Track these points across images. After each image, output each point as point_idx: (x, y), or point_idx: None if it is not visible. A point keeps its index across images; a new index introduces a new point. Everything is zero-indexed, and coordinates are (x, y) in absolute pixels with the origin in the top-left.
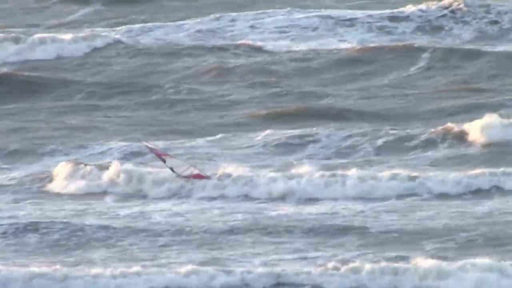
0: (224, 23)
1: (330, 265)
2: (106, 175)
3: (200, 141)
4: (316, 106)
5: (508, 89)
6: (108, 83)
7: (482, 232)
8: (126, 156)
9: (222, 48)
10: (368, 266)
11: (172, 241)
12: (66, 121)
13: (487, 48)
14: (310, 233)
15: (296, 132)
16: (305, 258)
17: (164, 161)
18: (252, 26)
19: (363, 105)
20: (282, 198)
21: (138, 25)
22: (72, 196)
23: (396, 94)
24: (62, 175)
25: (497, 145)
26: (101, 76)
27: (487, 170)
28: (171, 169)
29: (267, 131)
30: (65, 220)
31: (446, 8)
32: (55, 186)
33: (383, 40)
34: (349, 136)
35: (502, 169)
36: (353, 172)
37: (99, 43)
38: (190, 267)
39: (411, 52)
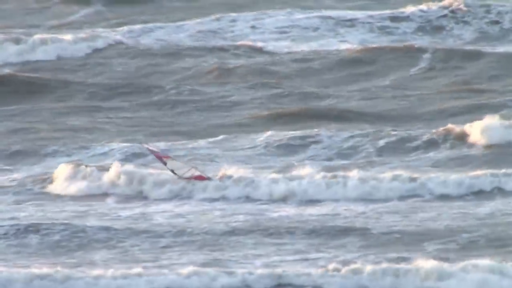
0: (224, 24)
1: (331, 266)
2: (107, 177)
3: (201, 142)
4: (317, 107)
5: (509, 90)
6: (109, 84)
7: (484, 233)
8: (128, 157)
9: (222, 49)
10: (369, 268)
11: (173, 242)
12: (68, 122)
13: (488, 49)
14: (311, 234)
15: (298, 133)
16: (306, 260)
17: (165, 163)
18: (253, 27)
19: (364, 106)
20: (284, 199)
21: (139, 26)
22: (73, 198)
23: (397, 95)
24: (62, 177)
25: (498, 146)
26: (102, 77)
27: (488, 171)
28: (172, 171)
29: (269, 132)
30: (66, 222)
31: (446, 8)
32: (56, 187)
33: (384, 41)
34: (351, 137)
35: (503, 170)
36: (354, 173)
37: (100, 43)
38: (191, 268)
39: (412, 53)
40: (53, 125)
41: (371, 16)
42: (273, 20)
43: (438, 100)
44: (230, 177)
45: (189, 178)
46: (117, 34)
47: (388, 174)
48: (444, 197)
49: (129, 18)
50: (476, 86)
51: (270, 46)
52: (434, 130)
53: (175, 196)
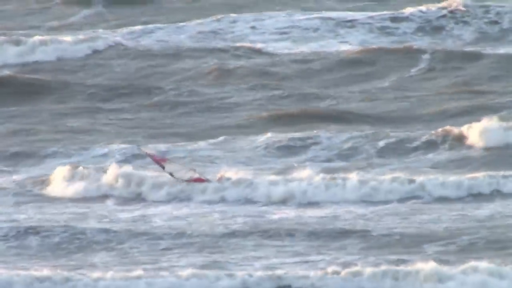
0: (224, 25)
1: (331, 268)
2: (105, 179)
3: (201, 143)
4: (318, 108)
5: (509, 91)
6: (109, 85)
7: (484, 236)
8: (127, 159)
9: (223, 50)
10: (369, 270)
11: (173, 245)
12: (67, 123)
13: (488, 50)
14: (311, 237)
15: (297, 134)
16: (306, 262)
17: (163, 167)
18: (253, 28)
19: (364, 107)
20: (283, 201)
21: (139, 27)
22: (72, 200)
23: (397, 96)
24: (60, 179)
25: (497, 148)
26: (102, 78)
27: (488, 173)
28: (171, 174)
29: (269, 134)
30: (65, 224)
31: (445, 8)
32: (54, 189)
33: (384, 42)
34: (350, 138)
35: (502, 172)
36: (354, 175)
37: (100, 45)
38: (191, 270)
39: (411, 54)
40: (53, 126)
41: (371, 17)
42: (273, 21)
43: (438, 101)
44: (228, 179)
45: (188, 181)
46: (117, 35)
47: (388, 176)
48: (443, 199)
49: (129, 19)
50: (475, 88)
51: (270, 47)
52: (433, 132)
53: (174, 198)
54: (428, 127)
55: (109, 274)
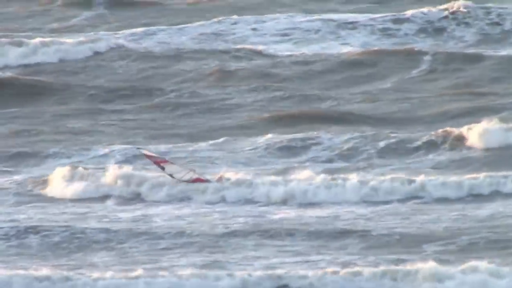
0: (226, 27)
1: (331, 268)
2: (104, 179)
3: (202, 144)
4: (319, 109)
5: (510, 93)
6: (110, 86)
7: (483, 236)
8: (128, 159)
9: (224, 52)
10: (368, 270)
11: (173, 245)
12: (69, 124)
13: (489, 52)
14: (311, 237)
15: (299, 135)
16: (306, 262)
17: (163, 168)
18: (254, 29)
19: (365, 108)
20: (284, 201)
21: (140, 29)
22: (72, 200)
23: (399, 97)
24: (60, 179)
25: (497, 149)
26: (103, 80)
27: (488, 174)
28: (171, 175)
29: (270, 135)
30: (65, 224)
31: (446, 9)
32: (54, 190)
33: (385, 43)
34: (351, 139)
35: (502, 172)
36: (354, 175)
37: (101, 46)
38: (191, 270)
39: (413, 56)
40: (54, 127)
41: (372, 19)
42: (274, 23)
43: (439, 102)
44: (228, 179)
45: (187, 181)
46: (119, 37)
47: (388, 177)
48: (443, 200)
49: (130, 21)
50: (476, 89)
51: (271, 48)
52: (433, 132)
53: (174, 199)
54: (429, 128)
55: (109, 274)
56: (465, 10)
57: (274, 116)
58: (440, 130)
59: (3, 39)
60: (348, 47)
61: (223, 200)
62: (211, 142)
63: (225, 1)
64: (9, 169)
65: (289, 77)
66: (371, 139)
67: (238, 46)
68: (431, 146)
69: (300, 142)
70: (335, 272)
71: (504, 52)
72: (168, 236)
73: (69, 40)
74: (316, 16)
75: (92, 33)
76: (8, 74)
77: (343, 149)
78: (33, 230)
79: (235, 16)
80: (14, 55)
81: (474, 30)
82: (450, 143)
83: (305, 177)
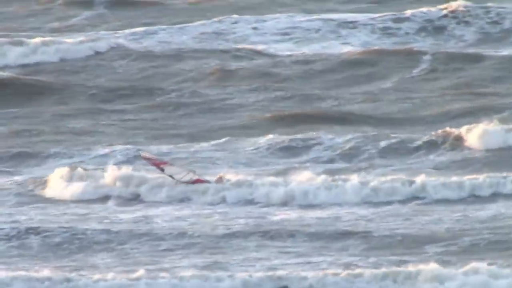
0: (227, 26)
1: (332, 270)
2: (104, 180)
3: (203, 144)
4: (319, 109)
5: (510, 93)
6: (111, 86)
7: (485, 237)
8: (129, 160)
9: (225, 51)
10: (369, 271)
11: (174, 246)
12: (69, 124)
13: (489, 52)
14: (312, 238)
15: (300, 135)
16: (307, 263)
17: (162, 170)
18: (254, 29)
19: (366, 108)
20: (285, 202)
21: (141, 28)
22: (72, 201)
23: (399, 97)
24: (59, 180)
25: (498, 150)
26: (104, 80)
27: (489, 175)
28: (171, 176)
29: (271, 135)
30: (66, 224)
31: (445, 8)
32: (53, 191)
33: (386, 43)
34: (352, 140)
35: (504, 173)
36: (355, 176)
37: (102, 46)
38: (192, 271)
39: (413, 55)
40: (55, 127)
41: (372, 19)
42: (275, 22)
43: (440, 102)
44: (228, 180)
45: (187, 182)
46: (119, 37)
47: (389, 177)
48: (445, 200)
49: (131, 20)
50: (477, 89)
51: (272, 48)
52: (433, 133)
53: (174, 200)
54: (430, 128)
55: (110, 275)
56: (464, 9)
57: (275, 116)
58: (440, 131)
59: (3, 39)
60: (349, 46)
61: (223, 201)
62: (212, 142)
63: (225, 0)
64: (9, 169)
65: (290, 76)
66: (372, 139)
67: (239, 46)
68: (432, 146)
69: (301, 142)
70: (336, 274)
71: (504, 52)
72: (169, 237)
73: (69, 39)
74: (316, 16)
75: (92, 32)
76: (8, 73)
77: (344, 150)
78: (34, 231)
79: (235, 16)
80: (14, 55)
81: (474, 29)
82: (450, 143)
83: (306, 178)
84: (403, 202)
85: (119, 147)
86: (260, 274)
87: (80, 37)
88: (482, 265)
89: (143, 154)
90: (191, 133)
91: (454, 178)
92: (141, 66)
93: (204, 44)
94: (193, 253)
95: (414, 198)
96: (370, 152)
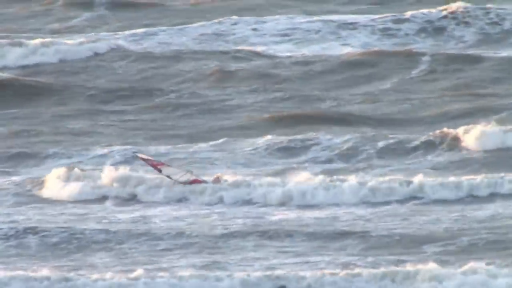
0: (226, 27)
1: (331, 269)
2: (101, 181)
3: (202, 145)
4: (319, 110)
5: (510, 94)
6: (110, 87)
7: (483, 237)
8: (128, 160)
9: (224, 52)
10: (367, 271)
11: (173, 245)
12: (69, 125)
13: (488, 53)
14: (311, 238)
15: (298, 136)
16: (305, 262)
17: (160, 170)
18: (254, 30)
19: (365, 109)
20: (283, 202)
21: (141, 30)
22: (70, 201)
23: (399, 98)
24: (56, 180)
25: (496, 150)
26: (103, 80)
27: (486, 175)
28: (168, 177)
29: (270, 135)
30: (64, 224)
31: (445, 9)
32: (50, 191)
33: (386, 44)
34: (350, 140)
35: (501, 174)
36: (353, 176)
37: (102, 47)
38: (190, 271)
39: (412, 57)
40: (54, 128)
41: (372, 20)
42: (275, 24)
43: (439, 103)
44: (225, 180)
45: (185, 183)
46: (119, 38)
47: (387, 178)
48: (443, 201)
49: (131, 22)
50: (476, 90)
51: (272, 49)
52: (431, 133)
53: (172, 200)
54: (429, 129)
55: (109, 275)
56: (464, 10)
57: (274, 117)
58: (438, 131)
59: (3, 40)
60: (349, 47)
61: (221, 201)
62: (211, 143)
63: (225, 2)
64: (8, 169)
65: (289, 77)
66: (370, 139)
67: (238, 47)
68: (430, 147)
69: (300, 143)
70: (333, 274)
71: (504, 53)
72: (167, 237)
73: (69, 41)
74: (316, 17)
75: (92, 33)
76: (8, 74)
77: (343, 150)
78: (32, 231)
79: (235, 17)
80: (14, 56)
81: (474, 30)
82: (448, 144)
83: (304, 178)
84: (401, 202)
85: (117, 147)
86: (258, 274)
87: (80, 38)
88: (480, 265)
89: (139, 155)
90: (190, 134)
91: (452, 178)
92: (141, 67)
93: (203, 45)
94: (191, 253)
95: (412, 198)
96: (368, 153)
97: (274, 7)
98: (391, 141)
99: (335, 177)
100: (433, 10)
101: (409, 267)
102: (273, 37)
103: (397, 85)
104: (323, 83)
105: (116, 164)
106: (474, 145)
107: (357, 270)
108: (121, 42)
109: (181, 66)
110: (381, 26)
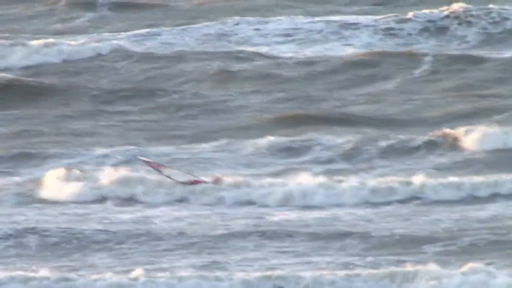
0: (229, 28)
1: (331, 269)
2: (101, 181)
3: (205, 146)
4: (321, 110)
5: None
6: (113, 87)
7: (484, 237)
8: (130, 161)
9: (227, 53)
10: (367, 271)
11: (172, 246)
12: (71, 125)
13: (491, 53)
14: (311, 238)
15: (301, 137)
16: (306, 263)
17: (160, 171)
18: (257, 30)
19: (368, 109)
20: (284, 203)
21: (143, 30)
22: (70, 201)
23: (401, 98)
24: (55, 181)
25: (497, 150)
26: (106, 81)
27: (488, 175)
28: (169, 177)
29: (272, 136)
30: (64, 225)
31: (446, 10)
32: (50, 192)
33: (389, 44)
34: (352, 140)
35: (502, 174)
36: (354, 177)
37: (105, 47)
38: (191, 271)
39: (415, 57)
40: (56, 128)
41: (375, 20)
42: (277, 24)
43: (442, 104)
44: (229, 181)
45: (185, 183)
46: (122, 38)
47: (387, 178)
48: (444, 201)
49: (134, 22)
50: (479, 91)
51: (275, 50)
52: (432, 134)
53: (172, 200)
54: (432, 130)
55: (108, 275)
56: (466, 11)
57: (277, 118)
58: (440, 132)
59: (5, 40)
60: (351, 48)
61: (221, 201)
62: (213, 143)
63: (228, 2)
64: (9, 170)
65: (292, 78)
66: (372, 140)
67: (241, 47)
68: (431, 147)
69: (303, 143)
70: (334, 274)
71: (507, 54)
72: (168, 237)
73: (72, 41)
74: (319, 18)
75: (95, 34)
76: (10, 75)
77: (345, 150)
78: (32, 231)
79: (238, 17)
80: (16, 56)
81: (476, 30)
82: (450, 144)
83: (305, 178)
84: (402, 202)
85: (119, 148)
86: (258, 274)
87: (83, 39)
88: (481, 265)
89: (142, 158)
90: (193, 134)
91: (453, 179)
92: (143, 67)
93: (206, 46)
94: (191, 253)
95: (413, 198)
96: (370, 153)
97: (277, 8)
98: (393, 141)
99: (335, 177)
100: (435, 11)
101: (409, 267)
102: (276, 38)
103: (400, 86)
104: (325, 83)
105: (118, 165)
106: (476, 146)
107: (357, 271)
108: (123, 43)
109: (183, 67)
110: (383, 26)
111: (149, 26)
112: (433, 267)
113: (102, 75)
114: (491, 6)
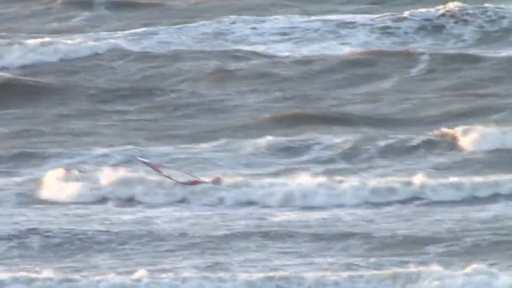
0: (226, 27)
1: (333, 270)
2: (101, 182)
3: (203, 145)
4: (319, 109)
5: (510, 93)
6: (110, 87)
7: (486, 237)
8: (129, 161)
9: (224, 52)
10: (371, 272)
11: (175, 247)
12: (69, 125)
13: (487, 52)
14: (313, 239)
15: (299, 136)
16: (308, 264)
17: (160, 172)
18: (254, 29)
19: (365, 109)
20: (285, 203)
21: (140, 29)
22: (70, 202)
23: (399, 98)
24: (55, 182)
25: (497, 151)
26: (103, 80)
27: (487, 176)
28: (169, 177)
29: (270, 136)
30: (67, 226)
31: (443, 8)
32: (50, 192)
33: (386, 43)
34: (351, 140)
35: (502, 174)
36: (355, 177)
37: (101, 47)
38: (193, 272)
39: (412, 56)
40: (55, 128)
41: (371, 19)
42: (274, 23)
43: (439, 103)
44: (229, 182)
45: (185, 183)
46: (119, 37)
47: (389, 178)
48: (445, 201)
49: (131, 22)
50: (476, 90)
51: (271, 48)
52: (432, 133)
53: (173, 201)
54: (430, 129)
55: (111, 276)
56: (462, 10)
57: (275, 117)
58: (440, 131)
59: (2, 40)
60: (348, 46)
61: (222, 202)
62: (212, 143)
63: (225, 1)
64: (9, 170)
65: (289, 77)
66: (371, 140)
67: (238, 47)
68: (430, 147)
69: (301, 143)
70: (336, 275)
71: (503, 53)
72: (169, 238)
73: (69, 40)
74: (316, 16)
75: (92, 33)
76: (7, 74)
77: (344, 150)
78: (35, 232)
79: (234, 16)
80: (13, 56)
81: (472, 29)
82: (450, 144)
83: (306, 179)
84: (403, 202)
85: (118, 148)
86: (261, 275)
87: (80, 38)
88: (483, 266)
89: (141, 159)
90: (191, 134)
91: (454, 179)
92: (140, 66)
93: (203, 45)
94: (194, 254)
95: (413, 198)
96: (369, 152)
97: (273, 7)
98: (392, 141)
99: (337, 177)
100: (432, 9)
101: (412, 268)
102: (273, 37)
103: (397, 85)
104: (322, 82)
105: (117, 165)
106: (474, 146)
107: (360, 271)
108: (120, 42)
109: (181, 66)
110: (380, 25)
111: (146, 25)
112: (436, 268)
113: (99, 74)
114: (487, 4)
